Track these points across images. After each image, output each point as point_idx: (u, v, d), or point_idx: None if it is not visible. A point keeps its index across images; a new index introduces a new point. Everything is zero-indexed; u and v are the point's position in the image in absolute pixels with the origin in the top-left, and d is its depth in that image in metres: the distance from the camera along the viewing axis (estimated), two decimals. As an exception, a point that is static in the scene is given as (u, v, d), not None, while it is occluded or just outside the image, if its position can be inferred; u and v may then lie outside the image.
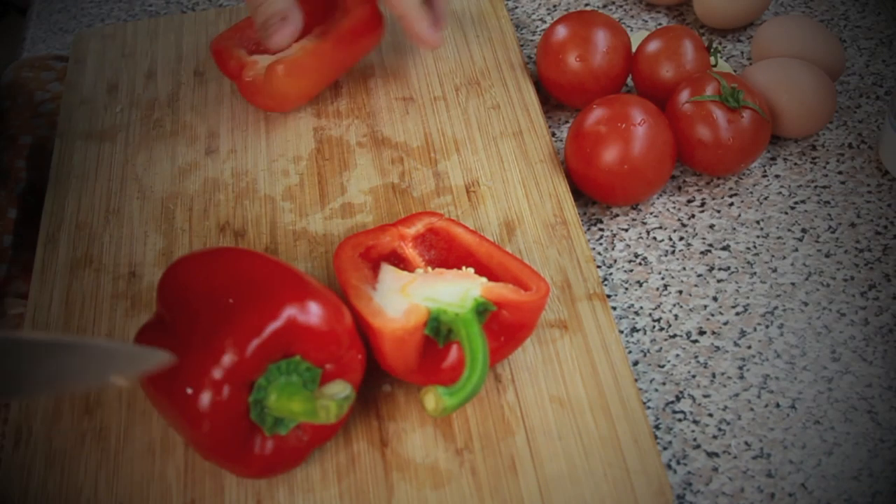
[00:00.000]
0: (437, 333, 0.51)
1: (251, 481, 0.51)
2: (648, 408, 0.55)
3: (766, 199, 0.65)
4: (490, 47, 0.73)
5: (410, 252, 0.56)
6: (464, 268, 0.54)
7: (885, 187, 0.65)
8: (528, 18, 0.80)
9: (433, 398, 0.47)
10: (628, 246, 0.63)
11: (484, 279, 0.52)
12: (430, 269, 0.54)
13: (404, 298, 0.51)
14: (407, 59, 0.73)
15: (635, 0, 0.80)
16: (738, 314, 0.59)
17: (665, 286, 0.61)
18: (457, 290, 0.51)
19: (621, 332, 0.58)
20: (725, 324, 0.58)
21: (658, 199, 0.65)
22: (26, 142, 0.74)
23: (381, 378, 0.54)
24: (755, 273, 0.61)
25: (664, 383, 0.56)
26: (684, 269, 0.61)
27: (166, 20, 0.78)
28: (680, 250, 0.62)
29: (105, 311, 0.59)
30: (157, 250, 0.62)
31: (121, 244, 0.63)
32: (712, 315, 0.59)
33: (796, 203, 0.64)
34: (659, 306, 0.60)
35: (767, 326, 0.58)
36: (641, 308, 0.60)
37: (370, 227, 0.62)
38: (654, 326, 0.59)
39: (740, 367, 0.56)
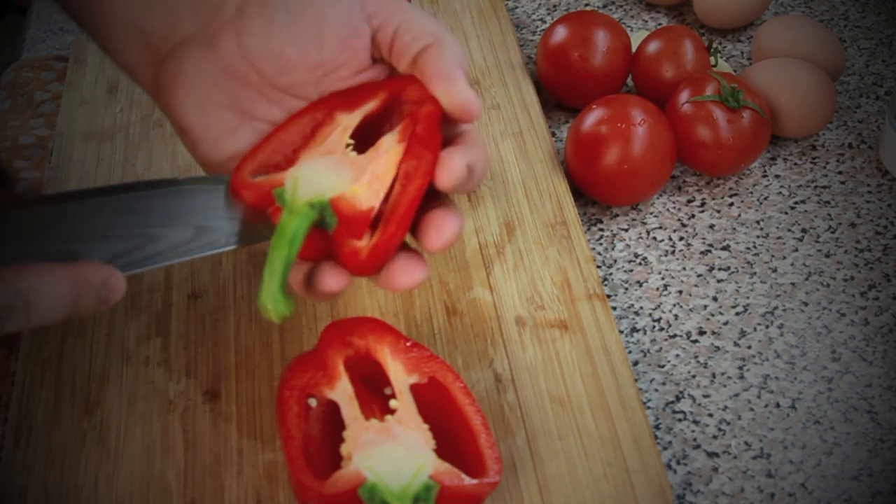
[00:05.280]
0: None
1: (251, 481, 0.51)
2: (648, 408, 0.55)
3: (766, 199, 0.65)
4: (490, 47, 0.73)
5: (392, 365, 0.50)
6: (424, 425, 0.47)
7: (885, 187, 0.65)
8: (528, 18, 0.80)
9: None
10: (628, 246, 0.63)
11: (434, 454, 0.46)
12: (387, 417, 0.48)
13: (342, 453, 0.46)
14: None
15: (635, 0, 0.80)
16: (738, 314, 0.59)
17: (665, 286, 0.61)
18: (406, 466, 0.45)
19: (621, 332, 0.58)
20: (725, 324, 0.58)
21: (658, 199, 0.65)
22: (26, 142, 0.74)
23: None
24: (755, 273, 0.61)
25: (664, 383, 0.56)
26: (684, 269, 0.61)
27: (166, 20, 0.78)
28: (680, 250, 0.62)
29: (105, 312, 0.59)
30: (157, 250, 0.62)
31: (121, 244, 0.63)
32: (712, 315, 0.59)
33: (796, 203, 0.64)
34: (659, 306, 0.60)
35: (767, 326, 0.58)
36: (641, 308, 0.60)
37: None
38: (654, 326, 0.59)
39: (740, 367, 0.56)
